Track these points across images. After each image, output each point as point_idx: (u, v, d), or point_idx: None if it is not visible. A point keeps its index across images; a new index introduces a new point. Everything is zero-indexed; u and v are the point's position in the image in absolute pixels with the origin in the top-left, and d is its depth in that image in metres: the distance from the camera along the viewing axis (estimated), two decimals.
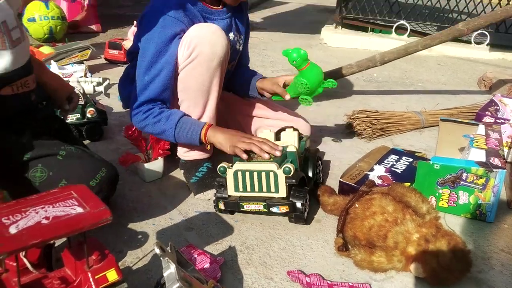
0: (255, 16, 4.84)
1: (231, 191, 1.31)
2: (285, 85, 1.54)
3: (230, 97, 1.72)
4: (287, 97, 1.51)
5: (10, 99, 1.09)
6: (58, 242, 1.11)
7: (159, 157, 1.52)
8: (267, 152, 1.29)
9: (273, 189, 1.27)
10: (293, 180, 1.25)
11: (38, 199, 0.81)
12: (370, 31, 3.81)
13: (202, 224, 1.33)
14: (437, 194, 1.39)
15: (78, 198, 0.82)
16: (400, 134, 1.98)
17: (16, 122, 1.15)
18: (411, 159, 1.57)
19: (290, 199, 1.27)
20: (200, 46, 1.33)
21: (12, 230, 0.73)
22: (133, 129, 1.47)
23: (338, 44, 3.70)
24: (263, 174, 1.26)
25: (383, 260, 1.12)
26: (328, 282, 1.10)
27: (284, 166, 1.24)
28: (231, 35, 1.54)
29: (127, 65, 1.62)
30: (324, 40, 3.79)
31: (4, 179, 0.98)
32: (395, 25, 3.64)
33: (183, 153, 1.49)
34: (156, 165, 1.52)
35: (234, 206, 1.31)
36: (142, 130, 1.44)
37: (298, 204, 1.26)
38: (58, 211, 0.78)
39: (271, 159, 1.30)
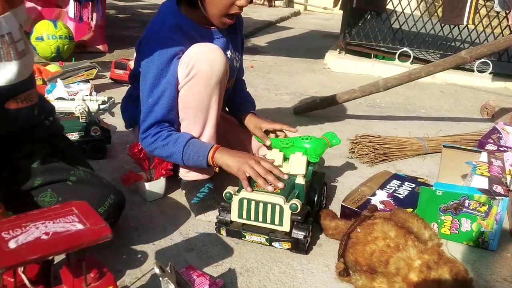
0: (259, 40, 4.90)
1: (234, 217, 1.30)
2: (267, 131, 1.56)
3: (230, 116, 1.72)
4: (267, 142, 1.52)
5: (14, 113, 1.10)
6: (57, 259, 1.10)
7: (161, 177, 1.51)
8: (271, 182, 1.29)
9: (277, 222, 1.26)
10: (299, 218, 1.25)
11: (39, 215, 0.81)
12: (373, 57, 3.85)
13: (202, 245, 1.31)
14: (439, 220, 1.38)
15: (78, 215, 0.82)
16: (403, 159, 1.98)
17: (25, 144, 1.15)
18: (413, 185, 1.57)
19: (293, 234, 1.26)
20: (198, 65, 1.34)
21: (12, 244, 0.72)
22: (139, 148, 1.47)
23: (341, 69, 3.73)
24: (269, 206, 1.25)
25: (385, 286, 1.10)
26: None
27: (292, 202, 1.23)
28: (228, 53, 1.56)
29: (130, 86, 1.64)
30: (327, 65, 3.82)
31: (12, 203, 0.98)
32: (398, 52, 3.68)
33: (185, 174, 1.49)
34: (158, 185, 1.52)
35: (236, 235, 1.30)
36: (152, 154, 1.44)
37: (300, 236, 1.25)
38: (58, 227, 0.78)
39: (278, 190, 1.29)
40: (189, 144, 1.37)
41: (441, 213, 1.37)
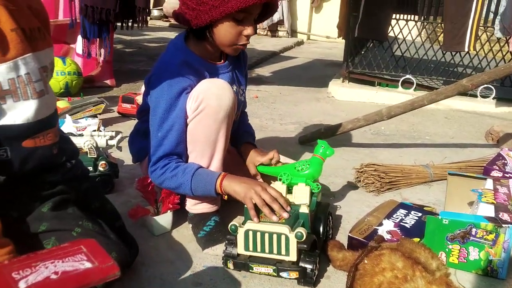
0: (264, 70, 4.97)
1: (241, 249, 1.30)
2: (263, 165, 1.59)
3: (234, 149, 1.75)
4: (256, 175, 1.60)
5: (30, 151, 1.12)
6: None
7: (169, 211, 1.53)
8: (277, 211, 1.30)
9: (283, 252, 1.27)
10: (305, 246, 1.25)
11: (48, 254, 0.82)
12: (377, 85, 3.88)
13: (210, 279, 1.32)
14: (447, 249, 1.37)
15: (87, 253, 0.83)
16: (409, 187, 1.98)
17: (43, 187, 1.17)
18: (420, 214, 1.57)
19: (300, 264, 1.26)
20: (207, 99, 1.38)
21: (22, 285, 0.73)
22: (148, 182, 1.49)
23: (345, 98, 3.76)
24: (275, 236, 1.26)
25: None
26: None
27: (297, 231, 1.23)
28: (234, 87, 1.60)
29: (137, 122, 1.67)
30: (331, 94, 3.86)
31: (20, 243, 0.99)
32: (401, 80, 3.71)
33: (191, 206, 1.51)
34: (165, 219, 1.53)
35: (243, 267, 1.31)
36: (161, 186, 1.46)
37: (308, 270, 1.25)
38: (67, 266, 0.79)
39: (283, 221, 1.30)
40: (197, 173, 1.39)
41: (448, 242, 1.37)
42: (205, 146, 1.43)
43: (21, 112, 1.09)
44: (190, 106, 1.40)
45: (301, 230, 1.23)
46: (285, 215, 1.29)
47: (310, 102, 3.61)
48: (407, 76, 3.70)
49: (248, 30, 1.41)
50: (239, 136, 1.72)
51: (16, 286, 0.73)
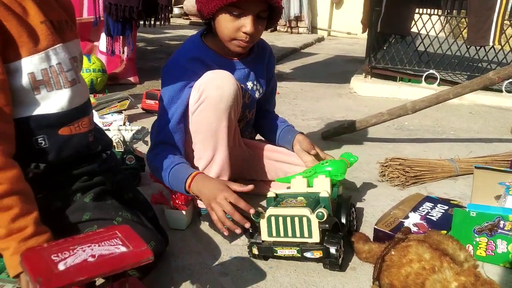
0: (285, 67, 4.97)
1: (264, 236, 1.32)
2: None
3: (253, 143, 1.76)
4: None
5: (67, 139, 1.16)
6: (98, 281, 1.14)
7: (184, 210, 1.51)
8: (239, 221, 1.29)
9: (306, 234, 1.28)
10: (326, 225, 1.26)
11: (85, 238, 0.85)
12: (399, 80, 3.85)
13: (236, 270, 1.33)
14: (474, 242, 1.36)
15: (122, 238, 0.86)
16: (434, 182, 1.97)
17: (83, 178, 1.21)
18: (446, 207, 1.56)
19: (324, 244, 1.27)
20: (208, 89, 1.40)
21: (61, 266, 0.76)
22: None
23: (367, 93, 3.74)
24: (296, 219, 1.27)
25: None
26: None
27: (317, 211, 1.25)
28: (249, 84, 1.61)
29: None
30: (353, 89, 3.84)
31: (58, 233, 1.03)
32: (424, 75, 3.67)
33: (201, 204, 1.52)
34: (177, 215, 1.51)
35: (267, 251, 1.32)
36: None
37: (332, 250, 1.26)
38: (103, 250, 0.81)
39: (305, 204, 1.31)
40: (173, 170, 1.42)
41: (475, 235, 1.36)
42: (207, 137, 1.45)
43: (55, 101, 1.12)
44: (193, 96, 1.44)
45: (322, 210, 1.24)
46: (247, 225, 1.29)
47: (332, 98, 3.60)
48: (431, 71, 3.66)
49: (246, 27, 1.41)
50: (286, 132, 1.74)
51: (55, 268, 0.75)
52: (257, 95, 1.67)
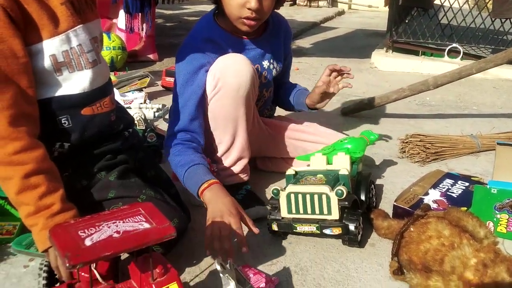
0: (304, 42, 4.91)
1: (284, 213, 1.33)
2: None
3: (273, 122, 1.76)
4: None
5: (90, 119, 1.18)
6: (122, 257, 1.18)
7: None
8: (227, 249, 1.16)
9: (325, 211, 1.29)
10: (346, 203, 1.27)
11: (110, 215, 0.88)
12: (421, 55, 3.78)
13: (257, 246, 1.36)
14: (495, 219, 1.36)
15: (145, 215, 0.88)
16: (455, 158, 1.95)
17: (107, 157, 1.24)
18: (467, 184, 1.55)
19: (343, 221, 1.28)
20: (224, 77, 1.38)
21: (88, 242, 0.79)
22: None
23: (389, 68, 3.68)
24: (316, 197, 1.28)
25: (440, 285, 1.10)
26: None
27: (337, 188, 1.25)
28: (265, 63, 1.60)
29: None
30: (374, 64, 3.79)
31: (84, 211, 1.06)
32: (447, 49, 3.60)
33: (223, 179, 1.50)
34: None
35: (287, 227, 1.34)
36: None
37: (351, 227, 1.27)
38: (127, 226, 0.84)
39: (324, 182, 1.32)
40: (189, 170, 1.35)
41: (496, 212, 1.35)
42: (227, 124, 1.45)
43: (77, 82, 1.14)
44: (209, 84, 1.42)
45: (341, 188, 1.25)
46: (229, 259, 1.08)
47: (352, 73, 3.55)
48: (454, 44, 3.58)
49: (251, 3, 1.38)
50: (294, 96, 1.75)
51: (82, 244, 0.78)
52: (274, 73, 1.65)
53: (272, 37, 1.62)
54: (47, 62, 1.08)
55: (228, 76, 1.39)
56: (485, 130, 2.18)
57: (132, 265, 0.94)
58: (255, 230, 1.23)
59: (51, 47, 1.08)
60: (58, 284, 1.04)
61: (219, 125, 1.46)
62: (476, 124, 2.39)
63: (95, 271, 0.91)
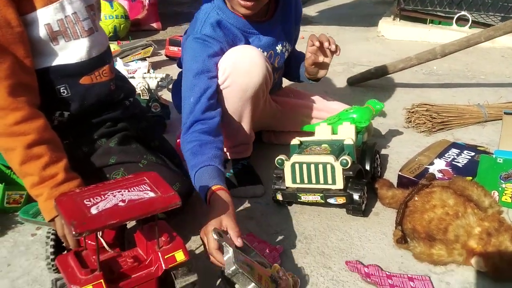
0: (310, 10, 4.82)
1: (288, 182, 1.34)
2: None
3: (283, 100, 1.73)
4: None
5: (89, 88, 1.17)
6: (128, 225, 1.19)
7: None
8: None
9: (330, 181, 1.29)
10: (350, 172, 1.26)
11: (115, 184, 0.88)
12: (429, 23, 3.70)
13: (261, 214, 1.37)
14: (500, 188, 1.35)
15: (150, 184, 0.88)
16: (462, 128, 1.93)
17: (106, 125, 1.23)
18: (473, 153, 1.54)
19: (348, 191, 1.28)
20: (234, 75, 1.33)
21: (93, 211, 0.79)
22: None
23: (396, 37, 3.62)
24: (320, 166, 1.28)
25: (443, 253, 1.11)
26: (387, 273, 1.11)
27: (342, 158, 1.25)
28: (279, 47, 1.53)
29: (180, 70, 1.56)
30: (381, 33, 3.72)
31: (86, 179, 1.07)
32: (456, 16, 3.52)
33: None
34: None
35: (291, 197, 1.34)
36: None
37: (356, 197, 1.27)
38: (132, 195, 0.84)
39: (329, 151, 1.32)
40: (200, 171, 1.22)
41: (502, 181, 1.35)
42: (231, 118, 1.41)
43: (73, 51, 1.13)
44: (219, 76, 1.36)
45: (346, 157, 1.25)
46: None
47: (358, 42, 3.50)
48: (462, 12, 3.50)
49: None
50: (295, 68, 1.70)
51: (88, 212, 0.79)
52: (286, 55, 1.60)
53: (284, 17, 1.53)
54: (42, 32, 1.06)
55: (239, 75, 1.33)
56: (492, 100, 2.15)
57: (138, 234, 0.95)
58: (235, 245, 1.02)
59: (46, 16, 1.06)
60: (65, 252, 1.06)
61: (224, 116, 1.40)
62: (483, 93, 2.36)
63: (101, 239, 0.92)
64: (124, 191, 0.85)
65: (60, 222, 1.02)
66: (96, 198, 0.82)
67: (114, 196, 0.83)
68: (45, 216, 1.04)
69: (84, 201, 0.82)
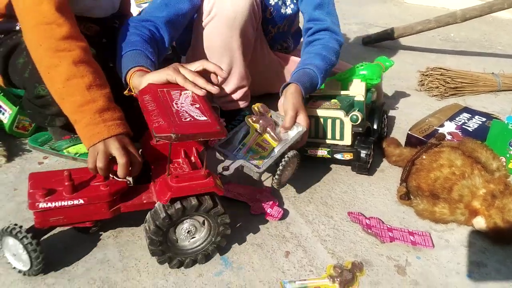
0: None
1: None
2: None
3: (287, 56, 1.69)
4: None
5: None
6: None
7: None
8: (202, 86, 0.99)
9: (338, 136, 1.28)
10: (360, 129, 1.25)
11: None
12: None
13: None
14: (508, 155, 1.35)
15: (200, 108, 0.95)
16: (474, 95, 1.91)
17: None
18: (484, 119, 1.53)
19: (355, 147, 1.27)
20: (220, 3, 1.30)
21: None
22: None
23: (415, 1, 3.53)
24: (329, 121, 1.27)
25: (446, 211, 1.12)
26: (388, 226, 1.12)
27: (352, 113, 1.24)
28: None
29: None
30: None
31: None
32: None
33: (222, 104, 1.49)
34: None
35: (298, 151, 1.34)
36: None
37: (363, 154, 1.27)
38: (195, 113, 0.91)
39: (339, 106, 1.30)
40: (126, 55, 1.11)
41: (511, 148, 1.34)
42: (222, 53, 1.37)
43: None
44: (205, 7, 1.32)
45: (356, 113, 1.23)
46: (214, 90, 0.98)
47: (375, 4, 3.42)
48: None
49: None
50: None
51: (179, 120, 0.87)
52: (283, 10, 1.52)
53: None
54: None
55: (224, 3, 1.29)
56: (508, 70, 2.12)
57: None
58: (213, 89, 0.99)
59: None
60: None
61: (215, 54, 1.37)
62: (499, 63, 2.33)
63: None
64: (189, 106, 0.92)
65: (94, 152, 0.93)
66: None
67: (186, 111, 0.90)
68: (85, 143, 0.95)
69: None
